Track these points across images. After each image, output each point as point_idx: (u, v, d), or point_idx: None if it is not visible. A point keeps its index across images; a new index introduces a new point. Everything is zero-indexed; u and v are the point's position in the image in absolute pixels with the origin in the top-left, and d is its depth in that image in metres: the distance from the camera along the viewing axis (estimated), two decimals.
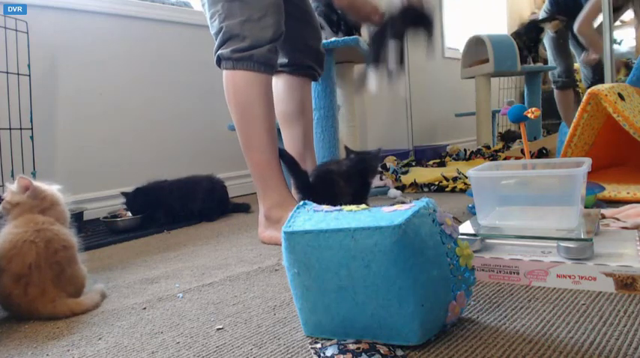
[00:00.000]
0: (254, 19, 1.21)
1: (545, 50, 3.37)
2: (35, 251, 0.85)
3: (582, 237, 0.79)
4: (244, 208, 1.92)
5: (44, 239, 0.87)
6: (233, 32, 1.22)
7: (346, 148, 1.48)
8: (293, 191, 1.32)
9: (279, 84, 1.48)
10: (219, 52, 1.26)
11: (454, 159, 2.77)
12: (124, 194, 1.71)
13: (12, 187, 0.94)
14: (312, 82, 1.58)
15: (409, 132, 3.86)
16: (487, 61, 3.14)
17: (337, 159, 1.51)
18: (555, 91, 3.25)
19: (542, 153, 2.41)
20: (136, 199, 1.71)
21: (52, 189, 0.97)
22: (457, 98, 4.13)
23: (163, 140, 2.27)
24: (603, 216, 1.10)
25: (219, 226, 1.66)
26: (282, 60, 1.45)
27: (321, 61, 1.54)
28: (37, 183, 0.94)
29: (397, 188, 2.02)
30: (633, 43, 4.40)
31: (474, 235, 0.89)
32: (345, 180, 1.32)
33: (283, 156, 1.30)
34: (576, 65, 3.25)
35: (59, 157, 1.94)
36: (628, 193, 1.36)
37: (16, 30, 1.70)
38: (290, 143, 1.50)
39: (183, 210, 1.76)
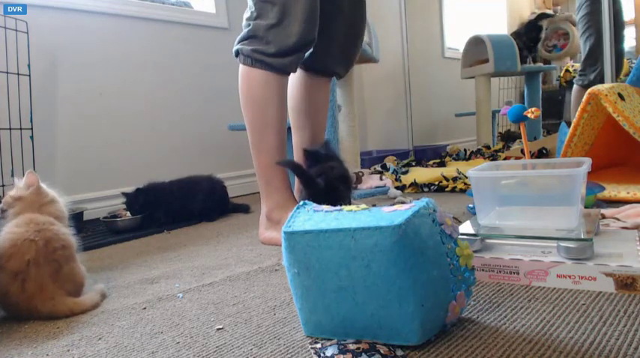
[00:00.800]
0: (283, 24, 1.16)
1: (549, 50, 3.34)
2: (34, 248, 0.86)
3: (582, 237, 0.79)
4: (244, 208, 1.92)
5: (44, 238, 0.88)
6: (258, 33, 1.18)
7: (305, 152, 1.30)
8: (296, 193, 1.31)
9: (293, 78, 1.39)
10: (239, 46, 1.22)
11: (454, 159, 2.77)
12: (124, 194, 1.71)
13: (19, 183, 0.96)
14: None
15: (409, 132, 3.86)
16: (487, 61, 3.14)
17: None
18: (576, 87, 3.09)
19: (542, 153, 2.41)
20: (136, 199, 1.71)
21: (53, 191, 1.00)
22: (457, 98, 4.13)
23: (163, 140, 2.27)
24: (603, 216, 1.10)
25: (219, 226, 1.66)
26: (304, 59, 1.31)
27: (347, 63, 1.43)
28: (42, 185, 0.97)
29: (397, 188, 2.02)
30: (633, 43, 4.40)
31: (474, 235, 0.89)
32: (343, 184, 1.30)
33: (289, 163, 1.25)
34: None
35: (59, 157, 1.94)
36: (628, 193, 1.36)
37: (16, 30, 1.70)
38: (297, 142, 1.44)
39: (183, 210, 1.76)
